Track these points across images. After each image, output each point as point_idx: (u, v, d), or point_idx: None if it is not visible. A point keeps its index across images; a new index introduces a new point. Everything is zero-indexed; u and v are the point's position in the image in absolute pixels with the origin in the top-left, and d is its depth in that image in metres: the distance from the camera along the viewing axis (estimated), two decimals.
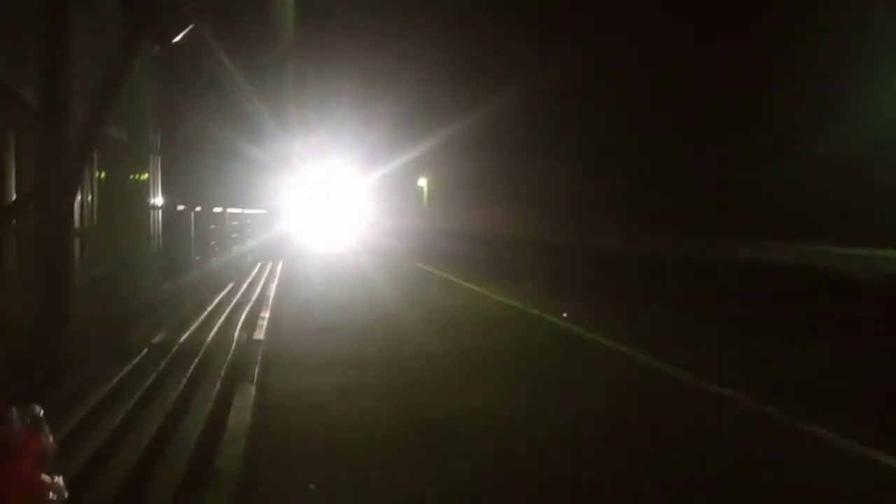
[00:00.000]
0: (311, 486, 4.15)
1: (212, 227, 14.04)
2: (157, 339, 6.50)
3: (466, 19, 26.64)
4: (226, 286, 10.80)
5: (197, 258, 11.79)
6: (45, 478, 2.38)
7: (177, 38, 10.39)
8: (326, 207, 36.56)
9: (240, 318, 7.87)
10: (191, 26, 10.22)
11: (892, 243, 12.20)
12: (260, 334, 6.88)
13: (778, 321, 9.35)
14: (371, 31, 30.64)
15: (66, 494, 2.44)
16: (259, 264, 15.89)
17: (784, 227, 14.60)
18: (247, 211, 21.84)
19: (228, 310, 8.31)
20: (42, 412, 2.41)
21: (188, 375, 5.34)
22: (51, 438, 2.44)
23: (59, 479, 2.43)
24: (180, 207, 11.43)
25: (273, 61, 21.51)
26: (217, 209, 14.92)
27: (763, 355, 7.46)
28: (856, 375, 6.44)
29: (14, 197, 5.75)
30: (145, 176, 11.78)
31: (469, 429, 5.11)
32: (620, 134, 21.03)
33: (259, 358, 5.72)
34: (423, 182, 36.58)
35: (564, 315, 10.11)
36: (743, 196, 17.74)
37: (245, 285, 11.32)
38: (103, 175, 9.61)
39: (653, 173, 20.68)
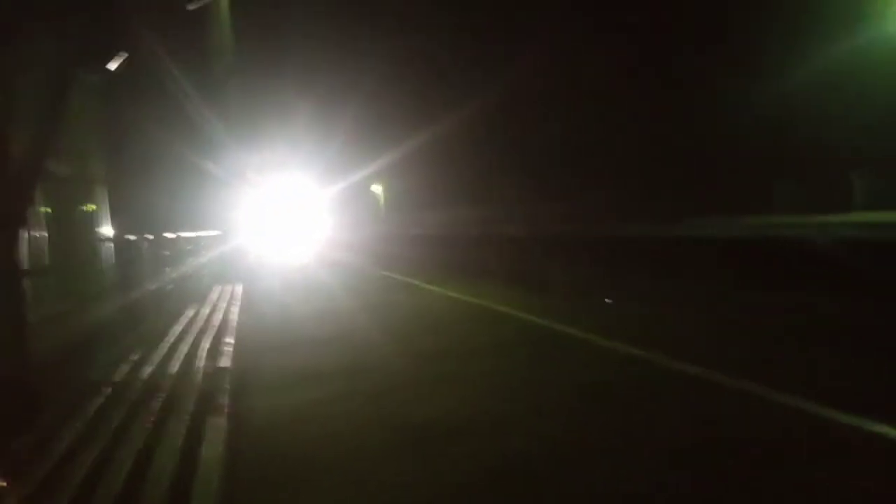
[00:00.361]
0: None
1: (166, 253, 13.74)
2: (119, 375, 6.34)
3: (424, 30, 27.09)
4: (184, 313, 10.61)
5: (153, 288, 11.54)
6: None
7: (116, 65, 10.15)
8: (285, 221, 36.17)
9: (203, 344, 7.72)
10: (125, 55, 9.98)
11: (837, 207, 12.67)
12: (226, 361, 6.76)
13: (736, 294, 9.61)
14: (329, 43, 30.73)
15: None
16: (219, 286, 15.62)
17: (734, 200, 15.06)
18: (202, 232, 21.44)
19: (191, 338, 8.15)
20: (5, 484, 2.31)
21: (156, 412, 5.22)
22: None
23: None
24: (131, 237, 11.17)
25: (222, 77, 21.27)
26: (170, 235, 14.61)
27: (735, 334, 7.65)
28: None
29: None
30: (93, 207, 11.48)
31: (443, 429, 5.15)
32: (574, 129, 21.51)
33: (227, 387, 5.62)
34: (378, 188, 36.52)
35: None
36: (694, 173, 18.18)
37: (206, 310, 11.12)
38: (50, 211, 9.35)
39: (603, 163, 21.11)
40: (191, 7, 12.68)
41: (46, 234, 9.06)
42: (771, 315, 8.58)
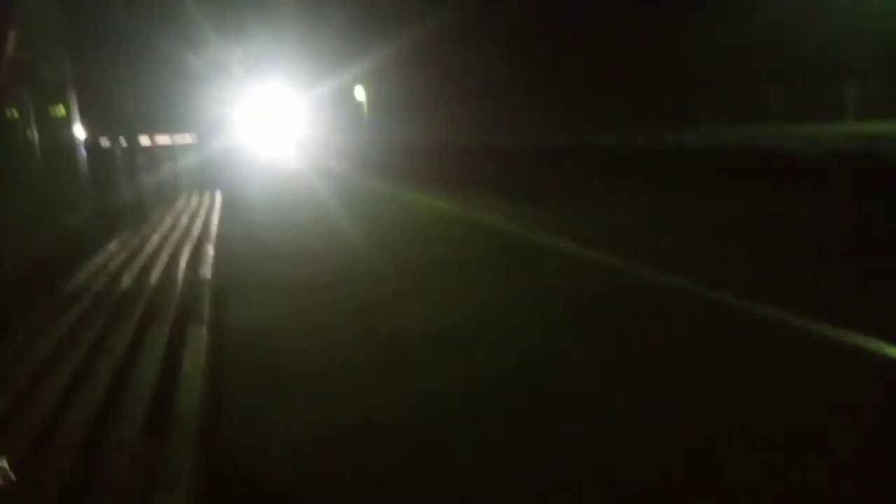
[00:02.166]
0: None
1: (141, 159, 13.35)
2: (97, 285, 6.24)
3: None
4: (162, 223, 10.41)
5: (129, 195, 11.28)
6: None
7: None
8: (268, 125, 35.19)
9: (183, 255, 7.60)
10: None
11: (828, 117, 12.55)
12: (206, 271, 6.66)
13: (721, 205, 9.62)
14: None
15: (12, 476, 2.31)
16: (199, 193, 15.32)
17: (727, 109, 14.87)
18: (180, 134, 20.80)
19: (170, 249, 8.01)
20: (5, 461, 2.24)
21: (136, 320, 5.15)
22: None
23: (3, 462, 2.30)
24: (105, 143, 10.79)
25: None
26: (145, 140, 14.14)
27: (712, 246, 7.68)
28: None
29: None
30: (63, 111, 11.02)
31: (420, 338, 5.28)
32: (561, 44, 21.04)
33: (207, 297, 5.55)
34: (360, 93, 35.62)
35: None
36: (682, 82, 17.83)
37: (184, 219, 10.92)
38: (17, 115, 8.96)
39: (592, 75, 20.72)
40: None
41: (37, 137, 8.68)
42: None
